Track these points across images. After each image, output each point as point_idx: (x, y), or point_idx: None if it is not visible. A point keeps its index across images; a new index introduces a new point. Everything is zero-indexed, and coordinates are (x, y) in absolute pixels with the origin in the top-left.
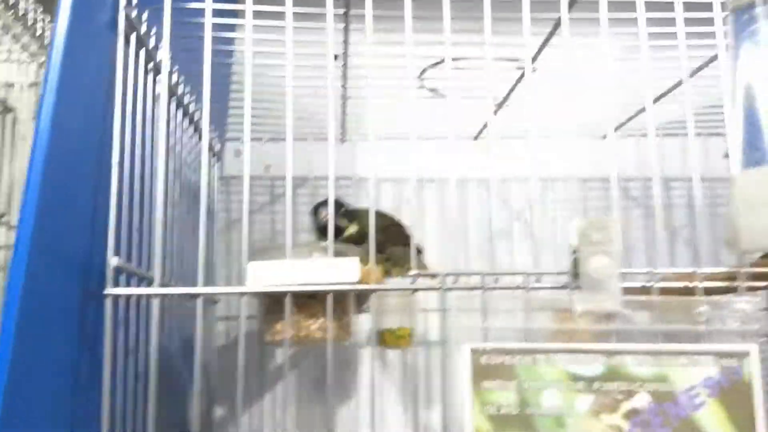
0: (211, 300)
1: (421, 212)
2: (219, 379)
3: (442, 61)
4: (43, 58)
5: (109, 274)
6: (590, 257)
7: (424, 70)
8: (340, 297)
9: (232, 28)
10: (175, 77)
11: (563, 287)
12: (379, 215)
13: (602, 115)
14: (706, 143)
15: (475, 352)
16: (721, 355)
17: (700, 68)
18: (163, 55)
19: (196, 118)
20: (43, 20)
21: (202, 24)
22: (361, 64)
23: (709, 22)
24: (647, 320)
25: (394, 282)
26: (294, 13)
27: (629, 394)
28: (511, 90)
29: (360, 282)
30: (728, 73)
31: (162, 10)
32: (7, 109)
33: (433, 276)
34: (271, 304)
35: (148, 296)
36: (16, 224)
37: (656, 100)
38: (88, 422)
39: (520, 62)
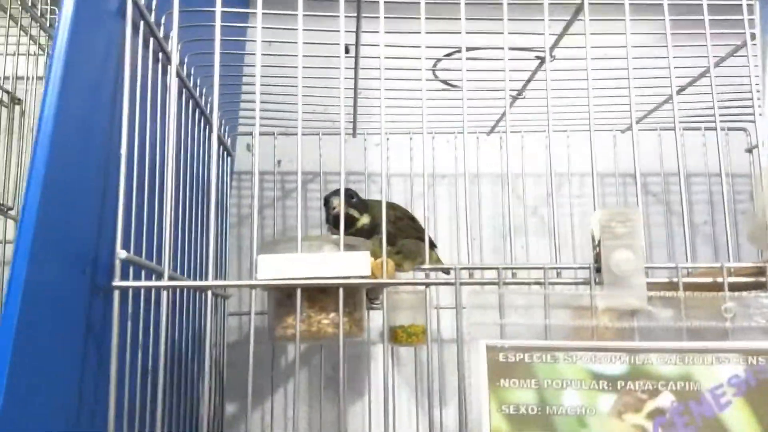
0: (223, 295)
1: (433, 208)
2: (231, 374)
3: (458, 50)
4: None
5: (117, 266)
6: (613, 251)
7: (438, 61)
8: (352, 291)
9: (244, 18)
10: (185, 69)
11: (584, 283)
12: (391, 207)
13: (622, 107)
14: (728, 137)
15: (492, 350)
16: (747, 352)
17: (726, 57)
18: (172, 43)
19: (207, 111)
20: (53, 12)
21: (214, 14)
22: (373, 54)
23: (735, 9)
24: (671, 317)
25: (407, 276)
26: (305, 3)
27: (653, 394)
28: (529, 81)
29: (371, 276)
30: (756, 62)
31: None
32: (16, 102)
33: (447, 270)
34: (282, 298)
35: (157, 289)
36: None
37: (680, 91)
38: (95, 418)
39: (538, 52)
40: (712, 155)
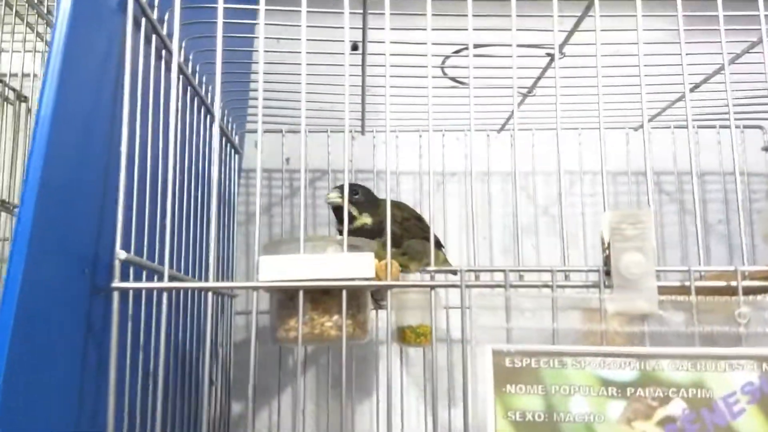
0: (229, 294)
1: (443, 206)
2: (238, 373)
3: (466, 47)
4: None
5: (116, 266)
6: (623, 253)
7: (446, 58)
8: (356, 293)
9: (252, 15)
10: (190, 66)
11: (594, 286)
12: (398, 207)
13: (634, 105)
14: (743, 135)
15: (498, 354)
16: (762, 359)
17: (741, 54)
18: (174, 39)
19: (213, 108)
20: None
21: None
22: (381, 51)
23: (750, 5)
24: (683, 321)
25: (412, 278)
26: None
27: (664, 401)
28: (539, 78)
29: (375, 278)
30: None
31: None
32: (23, 99)
33: (454, 272)
34: (284, 299)
35: (159, 290)
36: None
37: (694, 88)
38: (96, 421)
39: (547, 49)
40: (726, 153)
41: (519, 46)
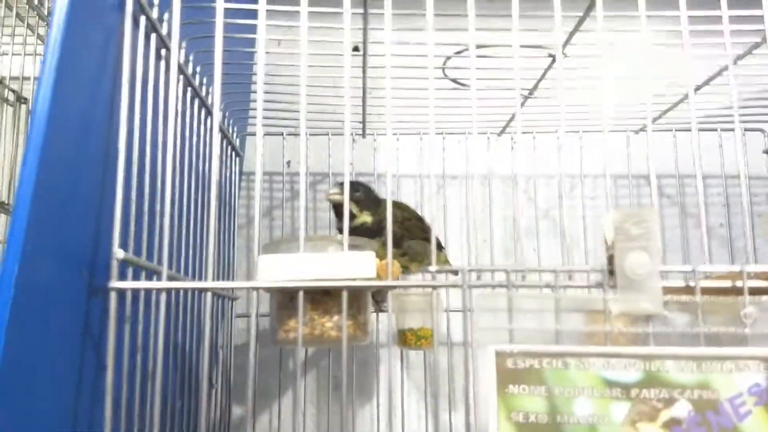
0: (230, 296)
1: (444, 209)
2: (238, 376)
3: (467, 48)
4: None
5: (114, 266)
6: (627, 253)
7: (447, 59)
8: (356, 294)
9: (252, 15)
10: (191, 67)
11: (597, 286)
12: (398, 207)
13: (636, 107)
14: (744, 138)
15: (501, 355)
16: None
17: (744, 54)
18: (174, 38)
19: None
20: None
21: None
22: (381, 52)
23: (752, 4)
24: (688, 322)
25: (413, 278)
26: (311, 1)
27: (669, 402)
28: (540, 79)
29: (376, 278)
30: None
31: None
32: (23, 101)
33: (455, 272)
34: (284, 300)
35: (157, 290)
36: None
37: (697, 89)
38: (93, 423)
39: (549, 49)
40: (728, 156)
41: (521, 46)
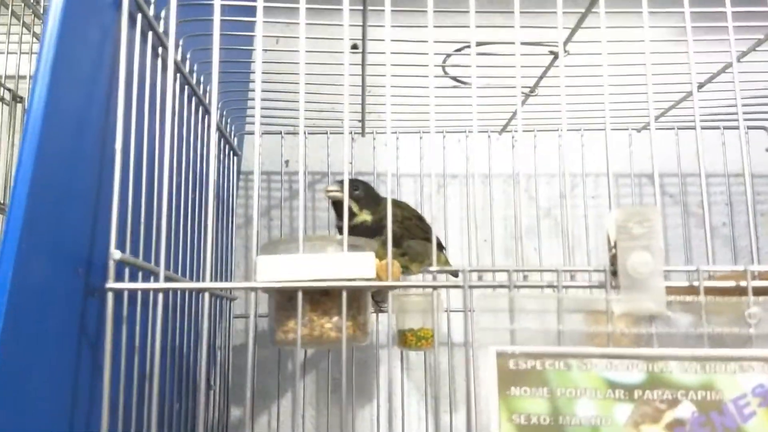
0: (228, 297)
1: (444, 208)
2: (237, 377)
3: (467, 46)
4: None
5: (111, 267)
6: (630, 252)
7: (447, 57)
8: (356, 294)
9: (251, 13)
10: (188, 65)
11: (599, 286)
12: (398, 206)
13: (638, 105)
14: (747, 137)
15: (502, 356)
16: None
17: (748, 51)
18: (170, 36)
19: (211, 110)
20: None
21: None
22: (381, 50)
23: (757, 1)
24: (691, 322)
25: (414, 279)
26: None
27: (672, 403)
28: (541, 77)
29: (376, 278)
30: None
31: None
32: (18, 100)
33: (455, 273)
34: (283, 301)
35: (154, 291)
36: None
37: (700, 87)
38: (90, 425)
39: (551, 46)
40: (730, 155)
41: (522, 44)
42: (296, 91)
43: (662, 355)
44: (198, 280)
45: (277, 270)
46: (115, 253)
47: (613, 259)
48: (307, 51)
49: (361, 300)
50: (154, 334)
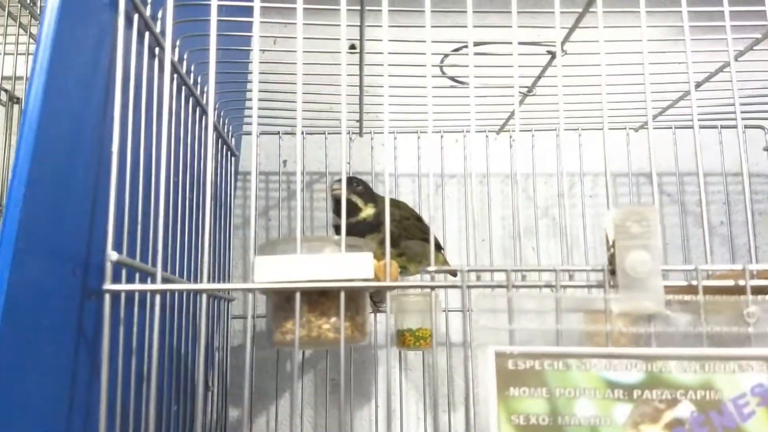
0: (226, 297)
1: (442, 208)
2: (235, 378)
3: (465, 45)
4: None
5: (108, 268)
6: (628, 252)
7: (445, 57)
8: (354, 295)
9: (248, 13)
10: (185, 65)
11: (598, 285)
12: (396, 206)
13: (634, 105)
14: (744, 135)
15: (501, 356)
16: None
17: (745, 51)
18: (167, 36)
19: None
20: None
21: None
22: (378, 50)
23: (754, 0)
24: (690, 322)
25: (412, 279)
26: None
27: (671, 403)
28: (539, 77)
29: (374, 278)
30: None
31: None
32: (15, 101)
33: (454, 273)
34: (280, 302)
35: (152, 292)
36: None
37: (697, 86)
38: (87, 427)
39: (548, 46)
40: (728, 154)
41: (520, 43)
42: (294, 91)
43: (661, 354)
44: (195, 280)
45: (275, 271)
46: (112, 255)
47: (612, 259)
48: (304, 51)
49: (360, 300)
50: (152, 336)
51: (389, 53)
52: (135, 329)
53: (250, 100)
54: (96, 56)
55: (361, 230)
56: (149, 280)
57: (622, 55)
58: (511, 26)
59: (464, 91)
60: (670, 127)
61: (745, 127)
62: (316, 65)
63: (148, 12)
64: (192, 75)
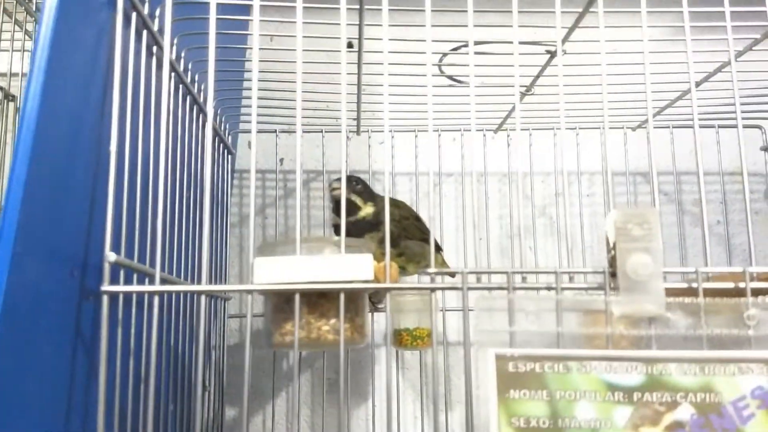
0: (223, 296)
1: (439, 207)
2: (232, 377)
3: (465, 45)
4: None
5: (106, 269)
6: (629, 254)
7: (444, 56)
8: (354, 296)
9: (246, 11)
10: (183, 64)
11: (599, 288)
12: (396, 205)
13: (632, 104)
14: (742, 135)
15: (501, 359)
16: None
17: (745, 51)
18: (166, 35)
19: (206, 109)
20: None
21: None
22: (377, 48)
23: (753, 0)
24: (690, 324)
25: (412, 281)
26: None
27: (671, 406)
28: (538, 76)
29: (374, 280)
30: None
31: None
32: (10, 98)
33: (453, 274)
34: (280, 303)
35: (150, 293)
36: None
37: (698, 84)
38: (85, 428)
39: (548, 45)
40: (726, 153)
41: (520, 43)
42: (291, 89)
43: (661, 357)
44: (193, 280)
45: (274, 272)
46: (110, 256)
47: (612, 261)
48: (303, 50)
49: (359, 302)
50: (150, 336)
51: (388, 52)
52: (133, 330)
53: (247, 98)
54: (94, 55)
55: (360, 229)
56: (147, 280)
57: (621, 54)
58: (511, 25)
59: (462, 90)
60: (668, 127)
61: (743, 126)
62: (315, 63)
63: (146, 10)
64: (189, 73)
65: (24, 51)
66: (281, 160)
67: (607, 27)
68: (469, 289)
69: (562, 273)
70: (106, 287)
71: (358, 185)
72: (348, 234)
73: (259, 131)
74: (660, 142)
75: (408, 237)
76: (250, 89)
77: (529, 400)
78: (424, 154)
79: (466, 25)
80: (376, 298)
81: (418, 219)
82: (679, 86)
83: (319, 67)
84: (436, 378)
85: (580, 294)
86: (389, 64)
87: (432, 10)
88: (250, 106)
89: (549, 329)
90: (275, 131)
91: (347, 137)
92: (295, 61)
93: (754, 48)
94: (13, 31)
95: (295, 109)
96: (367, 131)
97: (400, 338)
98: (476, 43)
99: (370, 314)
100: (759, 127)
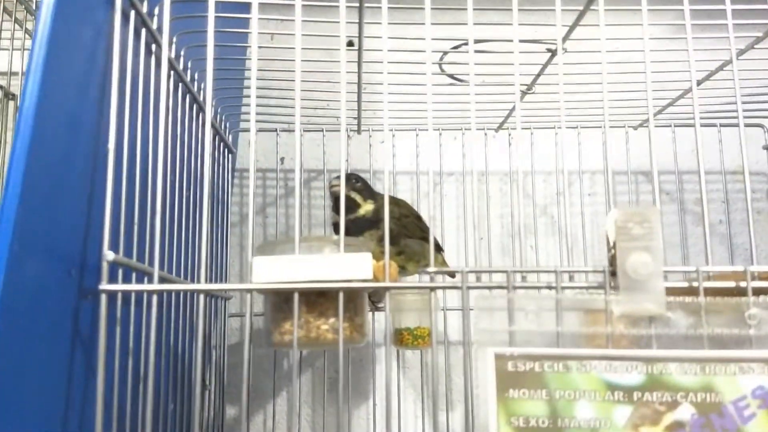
0: (223, 296)
1: (440, 206)
2: (232, 376)
3: (465, 43)
4: None
5: (104, 268)
6: (629, 253)
7: (444, 54)
8: (353, 295)
9: (245, 9)
10: (182, 62)
11: (599, 287)
12: (396, 203)
13: (633, 103)
14: (744, 134)
15: (500, 358)
16: None
17: (746, 49)
18: (164, 33)
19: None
20: None
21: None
22: (377, 46)
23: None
24: (691, 324)
25: (411, 280)
26: None
27: (672, 405)
28: (539, 74)
29: (373, 279)
30: None
31: None
32: (10, 97)
33: (453, 274)
34: (279, 302)
35: (149, 292)
36: None
37: (699, 83)
38: (83, 428)
39: (548, 44)
40: (727, 152)
41: (520, 41)
42: (291, 88)
43: (662, 356)
44: (192, 278)
45: (273, 271)
46: (109, 254)
47: (613, 260)
48: (302, 48)
49: (358, 301)
50: (149, 335)
51: (388, 50)
52: (132, 329)
53: (247, 96)
54: (92, 53)
55: (359, 226)
56: (146, 279)
57: (622, 53)
58: (511, 24)
59: (463, 89)
60: (669, 125)
61: (745, 125)
62: (315, 62)
63: (144, 8)
64: (189, 72)
65: (24, 50)
66: (282, 159)
67: (608, 25)
68: (469, 288)
69: (562, 272)
70: (105, 286)
71: (357, 183)
72: (347, 231)
73: (260, 130)
74: (661, 140)
75: (408, 235)
76: (251, 87)
77: (528, 400)
78: (425, 153)
79: (467, 24)
80: (375, 297)
81: (418, 218)
82: (680, 85)
83: (319, 65)
84: (436, 377)
85: (580, 293)
86: (389, 62)
87: (432, 9)
88: (250, 105)
89: (549, 328)
90: (275, 130)
91: (348, 136)
92: (294, 60)
93: (755, 46)
94: (13, 30)
95: (294, 107)
96: (368, 130)
97: (402, 337)
98: (477, 41)
99: (370, 313)
100: (761, 125)
